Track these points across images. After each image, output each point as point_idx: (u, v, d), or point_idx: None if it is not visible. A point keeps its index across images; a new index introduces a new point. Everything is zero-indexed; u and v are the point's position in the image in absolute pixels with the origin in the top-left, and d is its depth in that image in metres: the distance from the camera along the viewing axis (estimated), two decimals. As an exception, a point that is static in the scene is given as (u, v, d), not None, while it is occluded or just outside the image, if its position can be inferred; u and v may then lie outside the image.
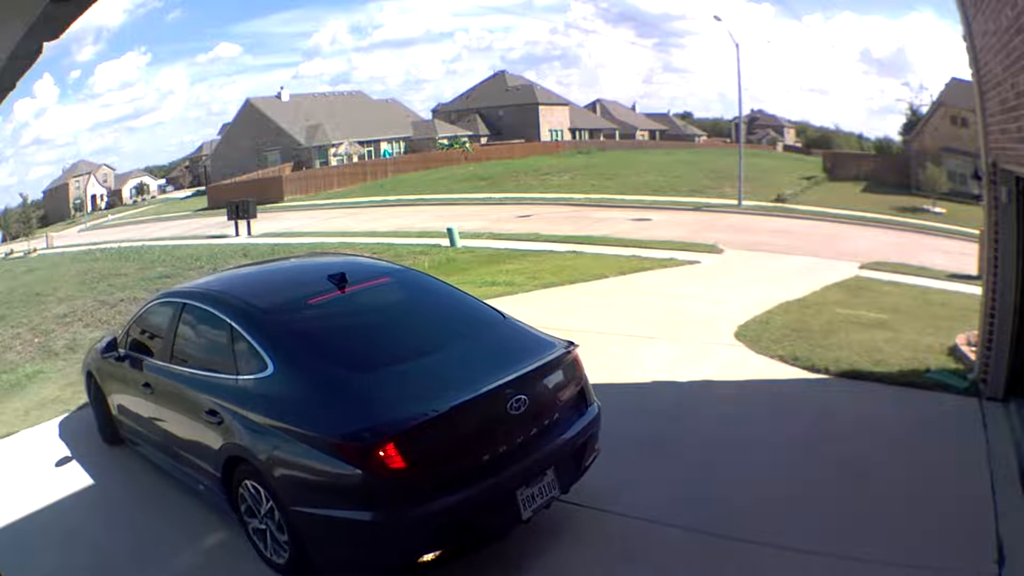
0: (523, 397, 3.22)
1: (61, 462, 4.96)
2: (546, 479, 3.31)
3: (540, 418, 3.37)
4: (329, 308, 3.80)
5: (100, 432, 5.17)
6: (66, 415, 5.99)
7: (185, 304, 4.16)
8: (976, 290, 6.78)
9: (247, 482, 3.39)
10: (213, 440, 3.55)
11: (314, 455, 3.01)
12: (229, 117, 53.78)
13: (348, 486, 2.92)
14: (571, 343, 3.74)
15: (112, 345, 4.70)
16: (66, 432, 5.58)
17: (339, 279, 3.90)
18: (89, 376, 5.36)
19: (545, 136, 55.59)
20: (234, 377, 3.52)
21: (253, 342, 3.50)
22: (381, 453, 2.84)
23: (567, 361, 3.62)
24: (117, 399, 4.81)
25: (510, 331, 3.86)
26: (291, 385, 3.30)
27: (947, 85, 35.41)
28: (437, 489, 2.93)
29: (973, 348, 5.84)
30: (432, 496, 2.91)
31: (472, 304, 4.18)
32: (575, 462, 3.53)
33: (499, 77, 61.11)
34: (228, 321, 3.71)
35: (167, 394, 4.05)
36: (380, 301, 4.10)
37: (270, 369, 3.35)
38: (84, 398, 6.47)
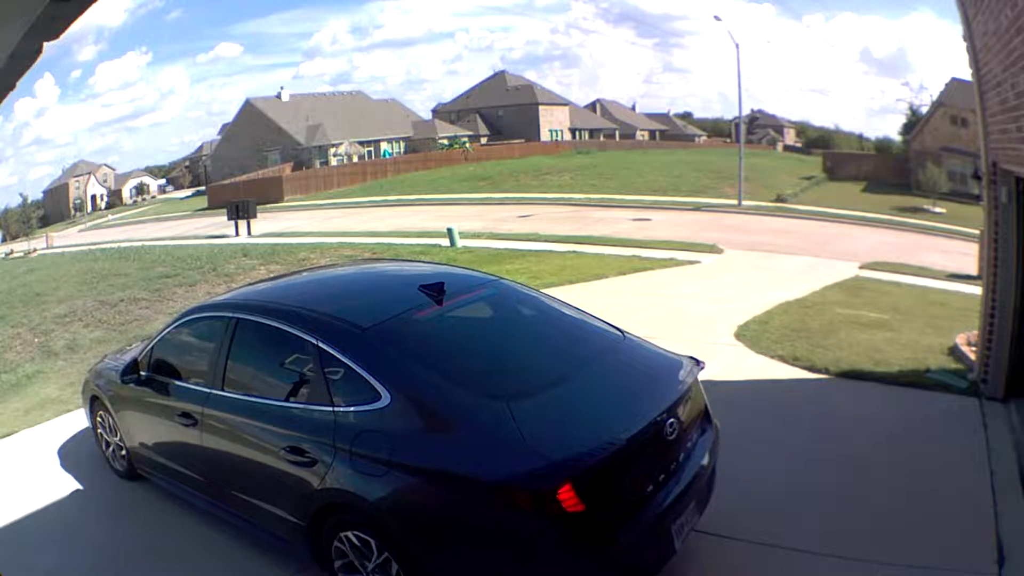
0: (674, 421, 2.91)
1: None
2: (690, 505, 3.00)
3: (685, 442, 3.05)
4: (439, 325, 3.34)
5: (110, 466, 4.64)
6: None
7: (240, 320, 3.55)
8: (976, 290, 6.78)
9: (349, 533, 2.90)
10: (298, 483, 3.00)
11: (463, 500, 2.57)
12: (229, 117, 53.83)
13: (514, 535, 2.49)
14: (696, 359, 3.39)
15: (132, 367, 4.09)
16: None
17: (436, 290, 3.42)
18: (94, 401, 4.73)
19: (545, 136, 55.58)
20: (330, 409, 2.96)
21: (356, 367, 2.95)
22: (560, 496, 2.40)
23: (697, 379, 3.30)
24: (136, 429, 4.24)
25: (637, 348, 3.45)
26: (420, 418, 2.77)
27: (947, 85, 35.45)
28: (612, 530, 2.56)
29: (973, 348, 5.84)
30: (609, 539, 2.54)
31: (586, 318, 3.72)
32: (708, 484, 3.23)
33: (499, 77, 61.10)
34: (314, 342, 3.13)
35: (218, 427, 3.47)
36: (488, 316, 3.65)
37: (385, 399, 2.82)
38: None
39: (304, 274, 5.09)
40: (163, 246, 19.32)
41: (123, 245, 21.03)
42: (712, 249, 14.00)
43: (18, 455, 5.28)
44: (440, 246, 15.48)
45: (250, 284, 4.81)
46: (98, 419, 4.72)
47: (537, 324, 3.70)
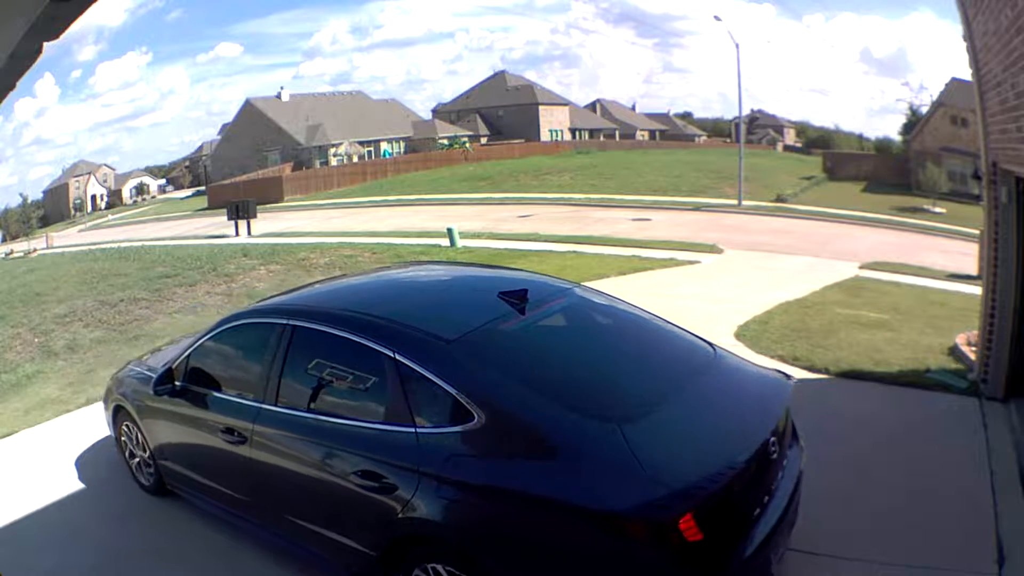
0: (775, 441, 2.77)
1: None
2: (786, 525, 2.83)
3: (782, 461, 2.89)
4: (528, 337, 3.09)
5: (135, 479, 4.40)
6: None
7: (296, 328, 3.25)
8: (976, 290, 6.78)
9: (434, 566, 2.66)
10: (371, 511, 2.75)
11: (570, 531, 2.35)
12: (229, 117, 53.85)
13: (626, 568, 2.29)
14: (787, 374, 3.25)
15: (166, 377, 3.78)
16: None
17: (518, 298, 3.16)
18: (118, 411, 4.44)
19: (545, 136, 55.59)
20: (411, 430, 2.69)
21: (443, 384, 2.68)
22: (681, 526, 2.23)
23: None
24: (167, 443, 3.97)
25: (732, 363, 3.27)
26: (521, 441, 2.52)
27: (947, 85, 35.44)
28: (726, 558, 2.41)
29: (973, 348, 5.84)
30: (724, 567, 2.39)
31: (675, 330, 3.48)
32: (798, 503, 3.03)
33: (499, 77, 61.10)
34: (390, 355, 2.84)
35: (271, 446, 3.18)
36: (576, 327, 3.39)
37: (478, 420, 2.55)
38: (83, 397, 6.50)
39: (359, 278, 4.57)
40: (163, 246, 19.32)
41: (123, 245, 21.02)
42: (712, 249, 14.00)
43: (18, 455, 5.28)
44: (440, 246, 15.47)
45: (297, 288, 4.29)
46: (123, 430, 4.45)
47: (627, 336, 3.42)
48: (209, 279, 12.94)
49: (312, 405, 3.10)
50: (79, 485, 4.58)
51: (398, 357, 2.82)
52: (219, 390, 3.57)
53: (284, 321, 3.32)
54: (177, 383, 3.75)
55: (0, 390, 7.29)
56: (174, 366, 3.85)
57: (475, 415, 2.57)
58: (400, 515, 2.65)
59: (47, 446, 5.31)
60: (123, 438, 4.49)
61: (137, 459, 4.36)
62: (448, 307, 3.42)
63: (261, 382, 3.29)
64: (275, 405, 3.21)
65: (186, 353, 3.84)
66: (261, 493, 3.34)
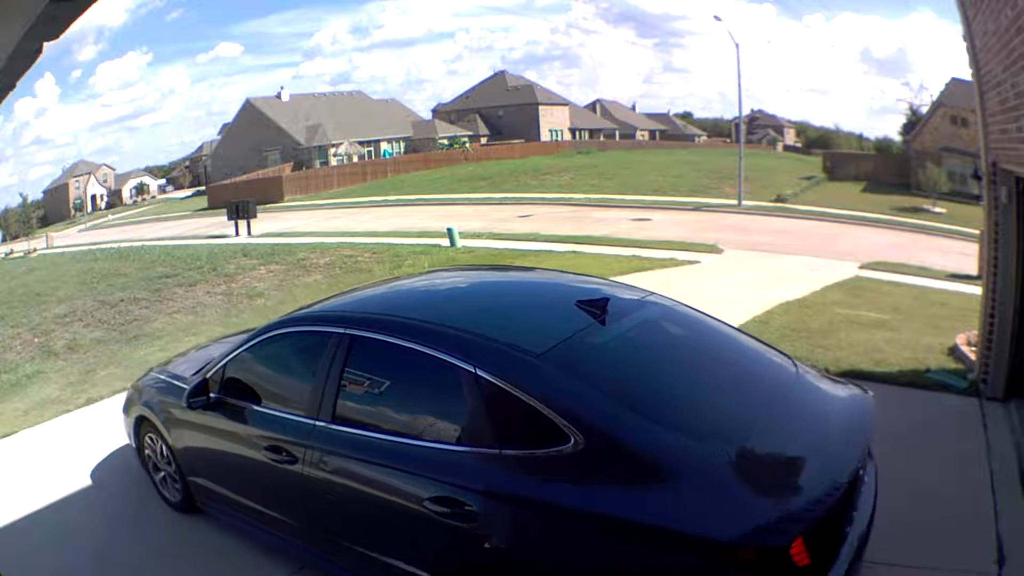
0: (864, 458, 2.68)
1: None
2: (865, 543, 2.70)
3: (864, 477, 2.76)
4: (616, 350, 2.88)
5: (160, 495, 4.15)
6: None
7: (356, 338, 2.99)
8: (976, 290, 6.78)
9: None
10: (448, 539, 2.53)
11: (676, 560, 2.19)
12: (229, 117, 53.87)
13: None
14: (865, 388, 3.10)
15: (201, 389, 3.49)
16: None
17: (599, 308, 2.95)
18: (141, 422, 4.18)
19: (545, 136, 55.59)
20: (496, 452, 2.46)
21: (532, 402, 2.45)
22: (792, 551, 2.11)
23: None
24: (199, 459, 3.71)
25: (815, 378, 3.11)
26: (622, 465, 2.31)
27: (947, 85, 35.45)
28: None
29: (973, 348, 5.84)
30: None
31: (753, 342, 3.35)
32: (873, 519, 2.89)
33: (499, 77, 61.10)
34: (470, 369, 2.60)
35: (327, 467, 2.91)
36: (660, 339, 3.16)
37: (574, 442, 2.34)
38: (83, 397, 6.50)
39: (412, 283, 4.14)
40: (163, 246, 19.32)
41: (123, 245, 21.03)
42: (712, 249, 14.01)
43: (18, 455, 5.28)
44: (440, 246, 15.48)
45: (343, 294, 3.92)
46: (146, 442, 4.18)
47: (713, 349, 3.21)
48: (209, 279, 12.94)
49: (377, 423, 2.86)
50: (79, 485, 4.57)
51: (479, 372, 2.57)
52: (263, 404, 3.29)
53: (341, 330, 3.04)
54: (212, 395, 3.46)
55: (0, 390, 7.29)
56: (209, 376, 3.55)
57: (570, 436, 2.35)
58: (484, 545, 2.44)
59: (47, 446, 5.31)
60: (146, 451, 4.21)
61: (162, 474, 4.08)
62: (526, 317, 3.16)
63: (315, 397, 3.02)
64: (332, 423, 2.93)
65: (223, 362, 3.54)
66: (315, 518, 3.08)
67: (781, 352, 3.29)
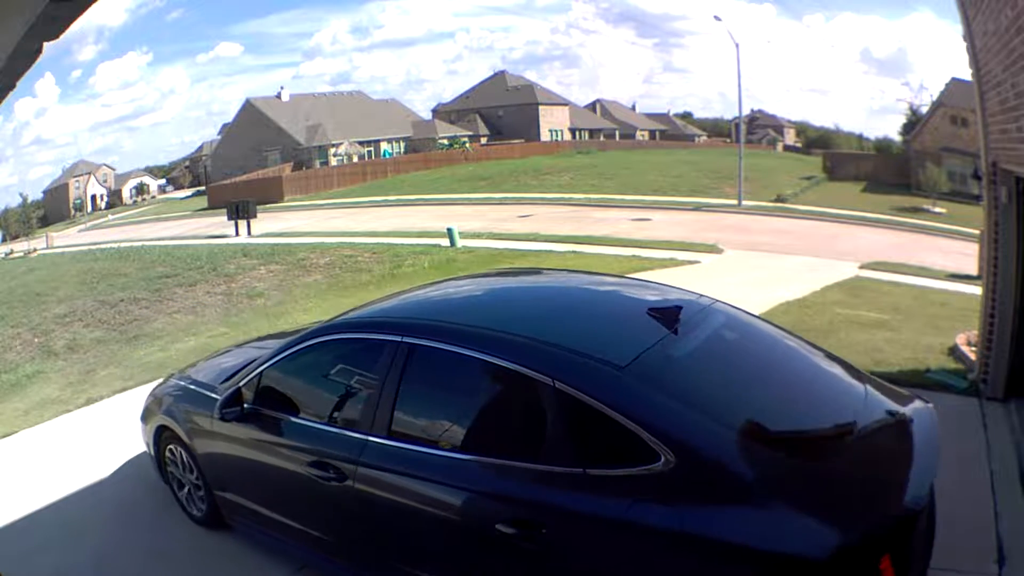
0: None
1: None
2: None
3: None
4: (698, 361, 2.74)
5: (183, 510, 3.95)
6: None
7: (415, 347, 2.79)
8: (976, 290, 6.78)
9: None
10: (527, 565, 2.39)
11: None
12: (229, 117, 53.87)
13: None
14: (926, 399, 3.01)
15: (235, 399, 3.28)
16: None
17: (671, 317, 2.81)
18: (161, 432, 3.93)
19: (545, 136, 55.60)
20: (580, 471, 2.31)
21: (618, 417, 2.30)
22: (881, 566, 2.07)
23: None
24: (230, 474, 3.49)
25: (881, 386, 2.99)
26: (716, 484, 2.19)
27: (947, 85, 35.45)
28: None
29: (973, 348, 5.84)
30: None
31: (818, 351, 3.22)
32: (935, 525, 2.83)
33: (499, 77, 61.11)
34: (549, 382, 2.43)
35: (383, 485, 2.73)
36: (736, 349, 3.02)
37: (665, 459, 2.21)
38: (83, 397, 6.51)
39: (466, 286, 3.93)
40: (163, 246, 19.33)
41: (123, 245, 21.04)
42: (712, 249, 14.01)
43: (18, 455, 5.28)
44: (440, 246, 15.48)
45: (391, 297, 3.67)
46: (167, 454, 3.94)
47: (788, 361, 3.07)
48: (209, 279, 12.95)
49: (439, 440, 2.68)
50: (79, 485, 4.57)
51: (559, 385, 2.40)
52: (305, 417, 3.10)
53: (398, 338, 2.83)
54: (246, 405, 3.25)
55: (0, 390, 7.29)
56: (242, 385, 3.34)
57: (660, 454, 2.21)
58: (561, 570, 2.33)
59: (47, 446, 5.31)
60: (168, 463, 3.98)
61: (186, 488, 3.86)
62: (598, 326, 2.97)
63: (367, 410, 2.83)
64: (387, 438, 2.73)
65: (258, 371, 3.32)
66: (365, 539, 2.90)
67: (839, 358, 3.19)
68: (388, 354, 2.83)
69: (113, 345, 9.03)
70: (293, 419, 3.11)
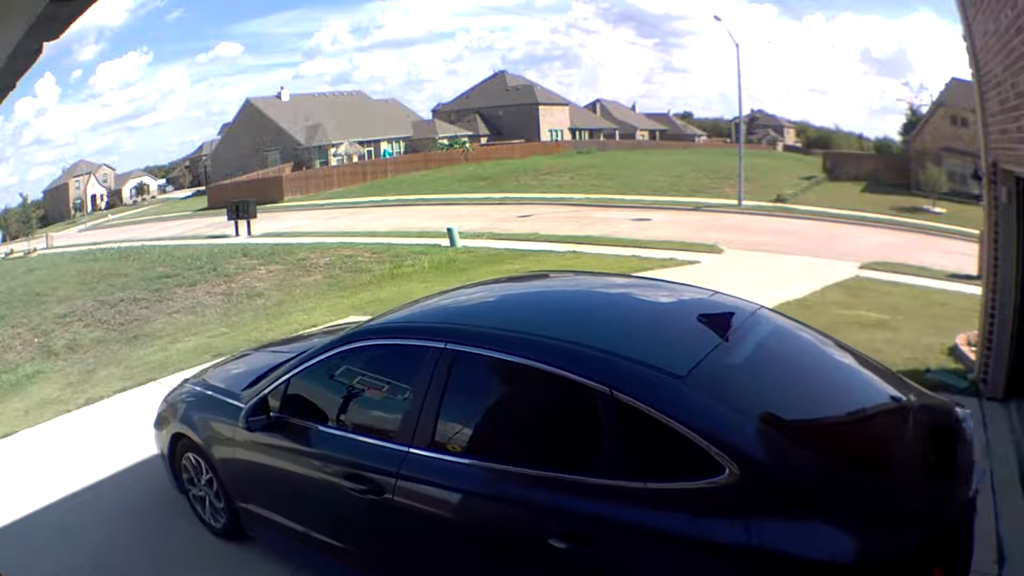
0: None
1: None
2: None
3: None
4: (754, 369, 2.67)
5: (201, 520, 3.81)
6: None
7: (460, 354, 2.67)
8: (976, 290, 6.78)
9: None
10: None
11: None
12: (229, 117, 53.86)
13: None
14: (963, 405, 2.95)
15: (261, 408, 3.15)
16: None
17: (722, 323, 2.73)
18: (177, 440, 3.78)
19: (545, 136, 55.61)
20: (640, 485, 2.22)
21: (680, 428, 2.21)
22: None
23: None
24: (253, 485, 3.37)
25: (921, 395, 2.95)
26: (780, 496, 2.13)
27: (947, 85, 35.50)
28: None
29: (973, 348, 5.84)
30: None
31: (859, 356, 3.13)
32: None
33: (499, 77, 61.13)
34: (605, 391, 2.33)
35: (427, 500, 2.63)
36: (788, 357, 2.93)
37: (729, 471, 2.13)
38: (83, 397, 6.50)
39: (506, 288, 3.82)
40: (163, 246, 19.34)
41: (123, 245, 21.05)
42: (712, 249, 14.02)
43: (18, 455, 5.28)
44: (440, 246, 15.48)
45: (425, 300, 3.54)
46: (184, 463, 3.81)
47: (835, 368, 3.00)
48: (209, 279, 12.95)
49: (486, 451, 2.56)
50: (79, 485, 4.57)
51: (617, 395, 2.30)
52: (337, 427, 2.96)
53: (440, 344, 2.71)
54: (272, 414, 3.12)
55: (0, 390, 7.29)
56: (268, 393, 3.20)
57: (724, 467, 2.12)
58: None
59: (47, 446, 5.31)
60: (184, 474, 3.85)
61: (205, 498, 3.72)
62: (651, 332, 2.86)
63: (407, 420, 2.71)
64: (430, 450, 2.61)
65: (285, 378, 3.19)
66: (405, 555, 2.80)
67: (882, 365, 3.13)
68: (429, 361, 2.71)
69: (113, 345, 9.04)
70: (324, 429, 2.98)
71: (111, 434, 5.45)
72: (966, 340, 6.25)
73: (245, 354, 4.69)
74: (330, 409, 3.05)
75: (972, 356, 5.74)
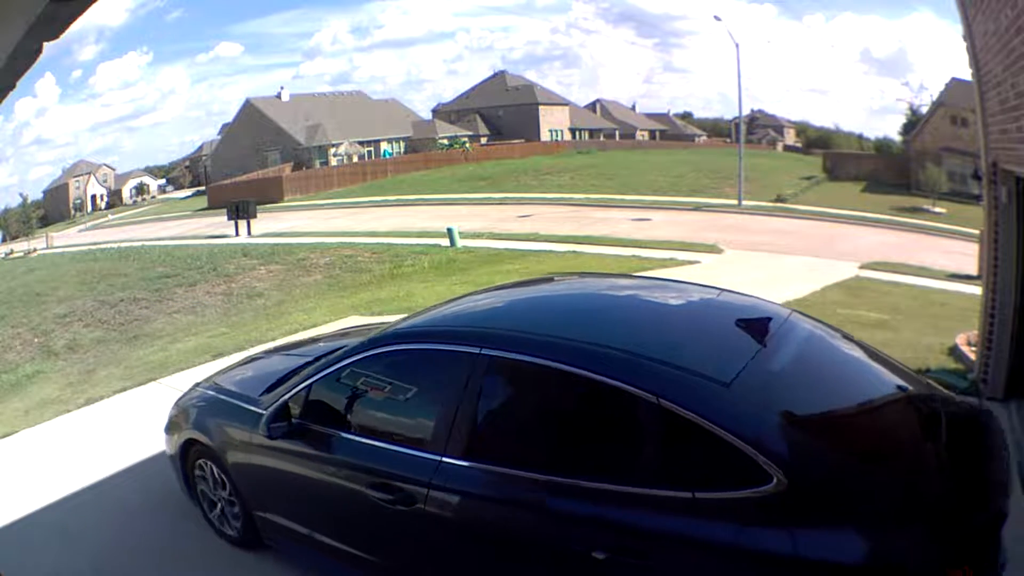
0: None
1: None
2: None
3: None
4: (796, 376, 2.61)
5: (214, 528, 3.70)
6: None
7: (496, 359, 2.60)
8: (976, 290, 6.78)
9: None
10: None
11: None
12: (229, 117, 53.84)
13: None
14: (990, 409, 2.95)
15: (282, 414, 3.06)
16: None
17: (760, 328, 2.69)
18: (189, 446, 3.68)
19: (545, 136, 55.61)
20: (688, 495, 2.17)
21: (729, 437, 2.17)
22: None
23: None
24: (272, 493, 3.27)
25: (946, 395, 2.97)
26: (827, 505, 2.11)
27: (947, 85, 35.49)
28: None
29: (973, 348, 5.84)
30: None
31: (891, 361, 3.16)
32: None
33: (499, 77, 61.13)
34: (651, 399, 2.28)
35: (462, 510, 2.57)
36: (824, 362, 2.92)
37: (776, 481, 2.09)
38: (83, 397, 6.51)
39: (537, 291, 3.72)
40: (163, 246, 19.34)
41: (123, 245, 21.06)
42: (712, 249, 14.02)
43: (18, 455, 5.28)
44: (440, 246, 15.48)
45: (454, 303, 3.43)
46: (196, 470, 3.70)
47: (867, 373, 2.97)
48: (209, 279, 12.96)
49: (524, 461, 2.46)
50: (79, 485, 4.57)
51: (664, 403, 2.25)
52: (363, 434, 2.86)
53: (475, 350, 2.63)
54: (294, 420, 3.03)
55: (0, 390, 7.29)
56: (289, 399, 3.10)
57: (771, 475, 2.08)
58: None
59: (47, 446, 5.31)
60: (197, 481, 3.73)
61: (219, 506, 3.61)
62: (692, 338, 2.78)
63: (440, 428, 2.62)
64: (464, 459, 2.54)
65: (307, 383, 3.09)
66: (436, 567, 2.72)
67: (908, 368, 3.12)
68: (464, 367, 2.62)
69: (113, 345, 9.04)
70: (349, 436, 2.88)
71: (111, 434, 5.45)
72: (966, 340, 6.25)
73: (257, 357, 4.58)
74: (355, 416, 2.95)
75: (972, 356, 5.74)
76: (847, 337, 3.18)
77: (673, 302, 3.33)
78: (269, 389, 3.41)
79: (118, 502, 4.33)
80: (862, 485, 2.15)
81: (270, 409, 3.13)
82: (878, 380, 2.90)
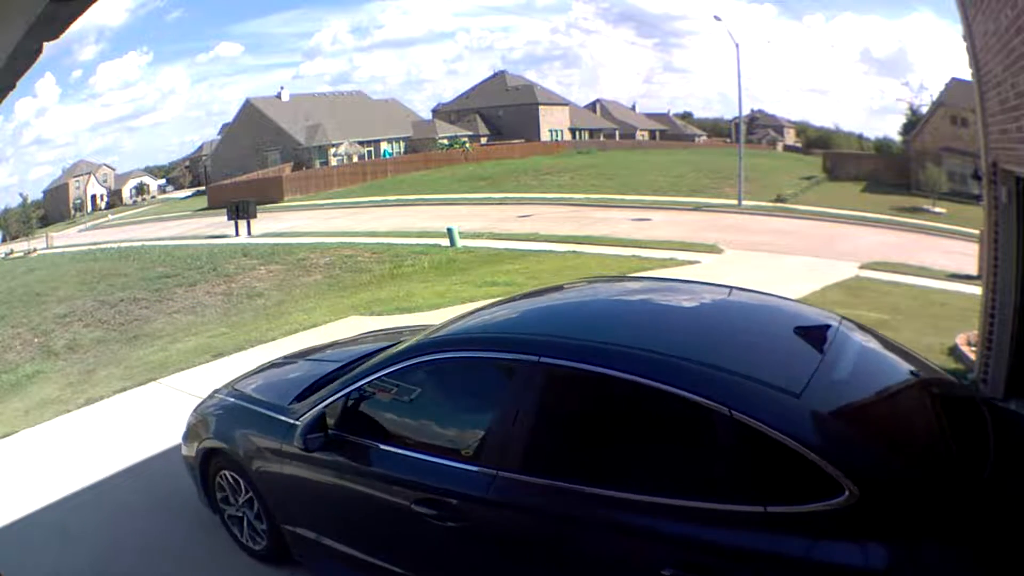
0: None
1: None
2: None
3: None
4: (860, 386, 2.57)
5: (237, 542, 3.56)
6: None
7: (553, 368, 2.49)
8: (976, 290, 6.78)
9: None
10: None
11: None
12: (229, 117, 53.81)
13: None
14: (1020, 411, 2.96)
15: (318, 425, 2.89)
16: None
17: (818, 336, 2.62)
18: (210, 456, 3.54)
19: (545, 136, 55.61)
20: (760, 509, 2.10)
21: (802, 449, 2.10)
22: None
23: None
24: (302, 506, 3.12)
25: (985, 399, 2.93)
26: (896, 518, 2.06)
27: (947, 85, 35.46)
28: None
29: (973, 348, 5.84)
30: None
31: (928, 368, 3.04)
32: None
33: (499, 77, 61.13)
34: (723, 411, 2.20)
35: (522, 528, 2.45)
36: (879, 370, 2.86)
37: (849, 493, 2.03)
38: (83, 397, 6.50)
39: (584, 296, 3.54)
40: (163, 246, 19.34)
41: (123, 245, 21.06)
42: (712, 249, 14.02)
43: (18, 455, 5.28)
44: (440, 246, 15.48)
45: (497, 307, 3.30)
46: (218, 480, 3.54)
47: (913, 383, 2.89)
48: (209, 279, 12.96)
49: (586, 475, 2.35)
50: (80, 485, 4.57)
51: (736, 415, 2.17)
52: (408, 446, 2.73)
53: (533, 358, 2.51)
54: (330, 431, 2.88)
55: (0, 390, 7.29)
56: (325, 408, 2.97)
57: (843, 488, 2.03)
58: None
59: (47, 446, 5.31)
60: (219, 492, 3.58)
61: (243, 519, 3.47)
62: (755, 347, 2.70)
63: (495, 440, 2.51)
64: (522, 473, 2.42)
65: (345, 391, 2.96)
66: None
67: (946, 374, 3.08)
68: (520, 376, 2.53)
69: (113, 345, 9.04)
70: (392, 448, 2.75)
71: (111, 434, 5.45)
72: (966, 340, 6.25)
73: (276, 363, 4.36)
74: (397, 427, 2.85)
75: (972, 356, 5.74)
76: (894, 345, 3.09)
77: (727, 309, 3.23)
78: (299, 398, 3.28)
79: (118, 502, 4.33)
80: (931, 495, 2.11)
81: (305, 419, 2.97)
82: (929, 390, 2.84)
